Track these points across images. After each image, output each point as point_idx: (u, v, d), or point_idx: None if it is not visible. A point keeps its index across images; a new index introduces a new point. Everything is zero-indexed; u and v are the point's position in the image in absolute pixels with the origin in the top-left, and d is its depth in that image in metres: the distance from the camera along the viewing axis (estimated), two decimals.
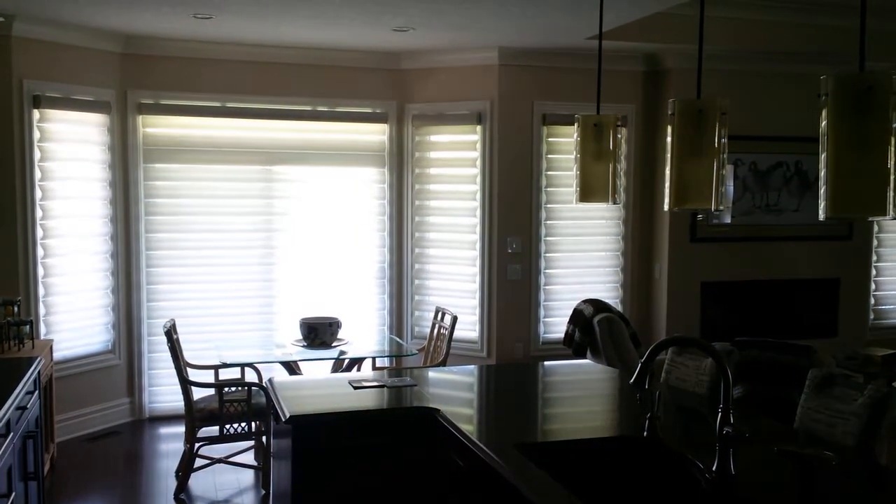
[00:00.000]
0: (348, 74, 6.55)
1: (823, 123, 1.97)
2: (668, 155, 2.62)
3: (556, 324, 6.64)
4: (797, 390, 3.08)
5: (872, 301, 7.41)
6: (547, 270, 6.66)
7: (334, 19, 5.26)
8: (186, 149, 6.28)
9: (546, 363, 4.12)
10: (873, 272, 7.39)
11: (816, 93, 2.01)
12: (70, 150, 5.75)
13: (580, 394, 3.59)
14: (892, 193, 1.93)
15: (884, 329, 7.46)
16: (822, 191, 1.97)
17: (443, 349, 5.37)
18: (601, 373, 3.92)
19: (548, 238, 6.65)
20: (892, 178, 1.93)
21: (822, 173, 1.96)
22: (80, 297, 5.85)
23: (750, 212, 6.84)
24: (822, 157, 1.96)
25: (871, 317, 7.44)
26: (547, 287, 6.67)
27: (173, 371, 4.79)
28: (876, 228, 7.33)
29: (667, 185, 2.64)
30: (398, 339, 6.18)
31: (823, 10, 6.00)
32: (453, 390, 3.57)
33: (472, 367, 4.22)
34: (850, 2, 2.01)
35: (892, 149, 1.92)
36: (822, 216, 1.97)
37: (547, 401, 3.51)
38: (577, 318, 5.90)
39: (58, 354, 5.56)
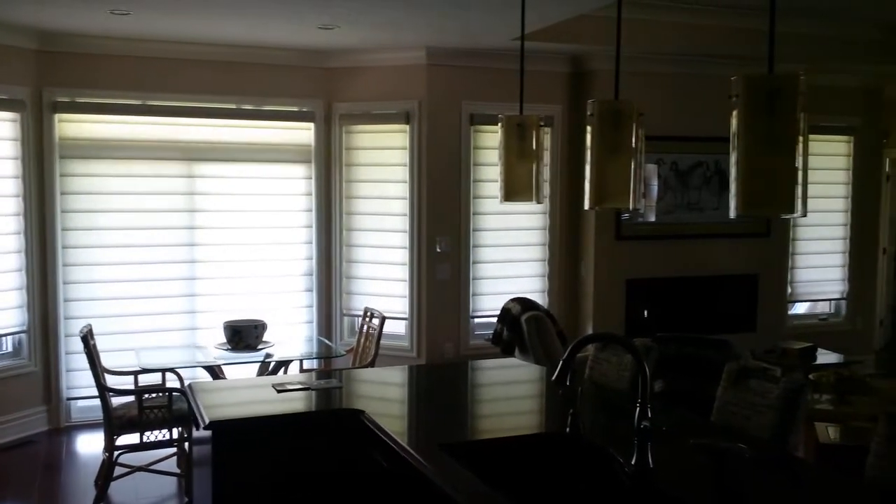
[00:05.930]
0: (274, 72, 6.45)
1: (734, 123, 2.01)
2: (588, 155, 2.66)
3: (485, 323, 6.67)
4: (715, 384, 3.15)
5: (789, 295, 7.67)
6: (476, 270, 6.69)
7: (257, 16, 5.18)
8: (105, 147, 6.08)
9: (474, 362, 4.13)
10: (790, 267, 7.64)
11: (729, 94, 2.06)
12: None
13: (507, 392, 3.61)
14: (800, 191, 1.99)
15: (800, 323, 7.73)
16: (732, 189, 2.01)
17: (371, 350, 5.34)
18: (528, 371, 3.95)
19: (477, 238, 6.67)
20: (800, 176, 1.99)
21: (733, 172, 2.01)
22: None
23: (672, 210, 6.99)
24: (733, 156, 2.01)
25: (789, 311, 7.69)
26: (476, 287, 6.69)
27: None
28: (793, 226, 7.57)
29: (587, 184, 2.67)
30: (326, 341, 6.11)
31: (739, 12, 6.17)
32: (380, 391, 3.55)
33: (401, 367, 4.20)
34: (762, 4, 2.06)
35: (801, 148, 1.98)
36: (732, 214, 2.02)
37: (474, 400, 3.51)
38: (506, 316, 5.93)
39: None
